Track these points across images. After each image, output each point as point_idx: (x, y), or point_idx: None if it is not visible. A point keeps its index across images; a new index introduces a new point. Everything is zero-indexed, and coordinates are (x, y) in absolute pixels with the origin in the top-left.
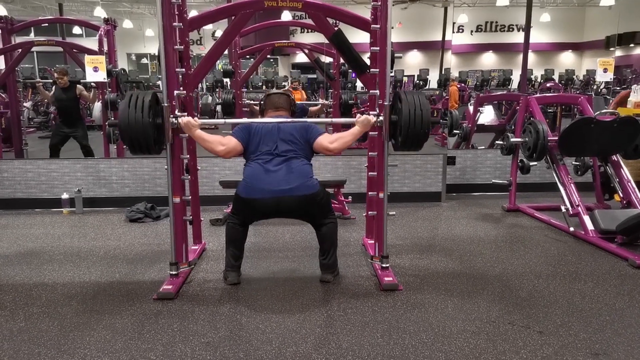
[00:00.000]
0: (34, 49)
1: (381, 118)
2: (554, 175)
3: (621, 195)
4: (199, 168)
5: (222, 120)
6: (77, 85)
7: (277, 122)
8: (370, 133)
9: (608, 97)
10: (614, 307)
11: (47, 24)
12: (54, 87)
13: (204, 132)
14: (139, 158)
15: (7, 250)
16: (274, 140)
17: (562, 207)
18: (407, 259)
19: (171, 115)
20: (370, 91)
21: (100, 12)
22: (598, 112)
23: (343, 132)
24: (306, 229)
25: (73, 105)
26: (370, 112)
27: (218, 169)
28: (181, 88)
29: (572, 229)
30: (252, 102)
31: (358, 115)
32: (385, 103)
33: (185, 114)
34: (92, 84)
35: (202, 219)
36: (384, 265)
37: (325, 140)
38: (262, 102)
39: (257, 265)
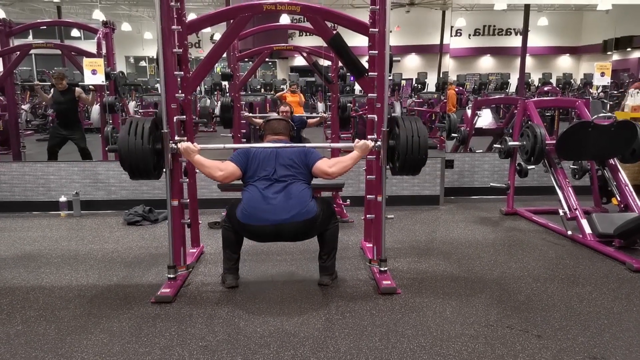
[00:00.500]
0: (32, 51)
1: (379, 143)
2: (552, 178)
3: (619, 198)
4: (197, 171)
5: (221, 145)
6: (76, 88)
7: (276, 147)
8: (368, 157)
9: (605, 100)
10: (612, 310)
11: (45, 27)
12: (52, 90)
13: (202, 157)
14: None
15: (4, 253)
16: (272, 165)
17: (560, 211)
18: (406, 263)
19: (170, 141)
20: (369, 95)
21: (98, 15)
22: (595, 116)
23: (342, 157)
24: None
25: (71, 108)
26: (369, 137)
27: None
28: (180, 91)
29: (570, 232)
30: (251, 115)
31: (356, 140)
32: (383, 129)
33: (185, 138)
34: (90, 86)
35: (200, 222)
36: (382, 269)
37: (325, 164)
38: (261, 128)
39: (255, 268)
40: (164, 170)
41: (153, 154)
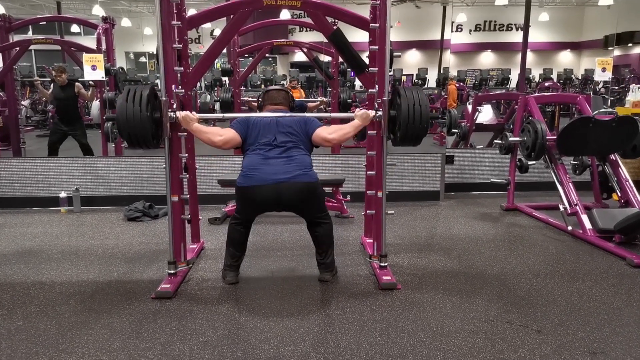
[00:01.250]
0: (32, 47)
1: (380, 113)
2: (553, 174)
3: (619, 194)
4: (198, 167)
5: (220, 115)
6: (76, 84)
7: (276, 116)
8: (369, 132)
9: (606, 96)
10: (612, 305)
11: (45, 22)
12: (52, 85)
13: (200, 125)
14: (138, 157)
15: (4, 249)
16: (272, 132)
17: (561, 206)
18: (406, 258)
19: (169, 110)
20: (369, 90)
21: (98, 11)
22: (596, 112)
23: (342, 125)
24: (305, 227)
25: (71, 103)
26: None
27: (216, 167)
28: (180, 87)
29: (570, 228)
30: (250, 99)
31: (357, 109)
32: (384, 98)
33: (182, 94)
34: (90, 82)
35: (201, 217)
36: (382, 264)
37: (324, 131)
38: (260, 98)
39: (256, 264)
40: (163, 138)
41: (152, 122)
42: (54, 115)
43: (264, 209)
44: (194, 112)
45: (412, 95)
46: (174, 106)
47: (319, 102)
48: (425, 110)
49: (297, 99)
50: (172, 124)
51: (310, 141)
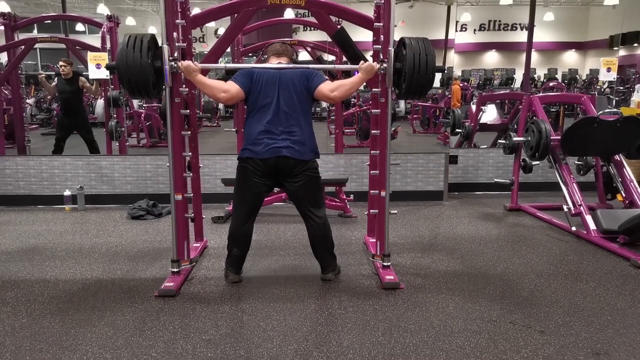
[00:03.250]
0: (37, 45)
1: (385, 65)
2: (557, 174)
3: (624, 195)
4: (201, 165)
5: (222, 65)
6: (80, 77)
7: (279, 67)
8: (372, 132)
9: (611, 96)
10: (616, 307)
11: (50, 21)
12: (56, 79)
13: (204, 76)
14: (142, 155)
15: (9, 246)
16: (275, 89)
17: (565, 207)
18: (409, 258)
19: (170, 57)
20: (373, 89)
21: (103, 9)
22: (601, 112)
23: (344, 80)
24: None
25: (76, 97)
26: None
27: (220, 166)
28: (184, 86)
29: (574, 228)
30: None
31: (361, 62)
32: (390, 48)
33: (185, 48)
34: (94, 79)
35: (204, 216)
36: (385, 264)
37: (326, 88)
38: (263, 52)
39: (259, 263)
40: (164, 87)
41: (152, 70)
42: (59, 111)
43: (263, 177)
44: (196, 62)
45: (417, 44)
46: (176, 55)
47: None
48: (432, 59)
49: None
50: (173, 74)
51: (312, 97)
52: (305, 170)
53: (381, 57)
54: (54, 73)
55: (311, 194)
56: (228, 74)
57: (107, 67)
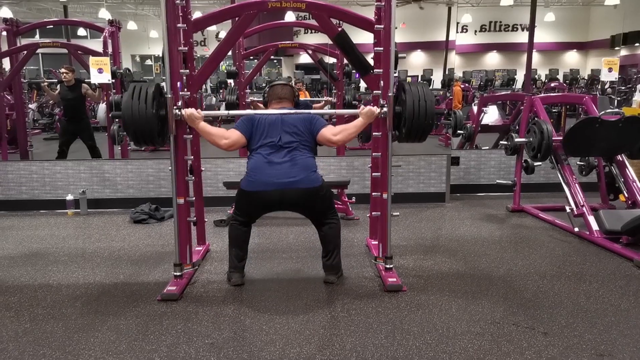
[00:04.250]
0: (39, 50)
1: (385, 109)
2: (559, 175)
3: (626, 195)
4: (203, 169)
5: (225, 112)
6: (83, 84)
7: (281, 113)
8: (374, 133)
9: (613, 96)
10: (619, 307)
11: (52, 26)
12: (59, 86)
13: (207, 124)
14: (144, 159)
15: (12, 251)
16: (277, 132)
17: (567, 208)
18: (411, 260)
19: (174, 107)
20: (374, 91)
21: (104, 14)
22: (603, 112)
23: (347, 124)
24: (310, 229)
25: (78, 103)
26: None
27: (222, 170)
28: (185, 89)
29: (576, 229)
30: (256, 99)
31: (362, 106)
32: (389, 94)
33: (188, 97)
34: (96, 83)
35: (206, 220)
36: (387, 266)
37: (329, 132)
38: (265, 94)
39: (261, 266)
40: (168, 136)
41: (157, 119)
42: (62, 117)
43: (266, 210)
44: (199, 110)
45: (417, 90)
46: (179, 103)
47: (323, 102)
48: (431, 105)
49: (302, 99)
50: (177, 122)
51: (315, 140)
52: (311, 197)
53: (381, 101)
54: (56, 80)
55: (322, 208)
56: (230, 77)
57: (113, 117)
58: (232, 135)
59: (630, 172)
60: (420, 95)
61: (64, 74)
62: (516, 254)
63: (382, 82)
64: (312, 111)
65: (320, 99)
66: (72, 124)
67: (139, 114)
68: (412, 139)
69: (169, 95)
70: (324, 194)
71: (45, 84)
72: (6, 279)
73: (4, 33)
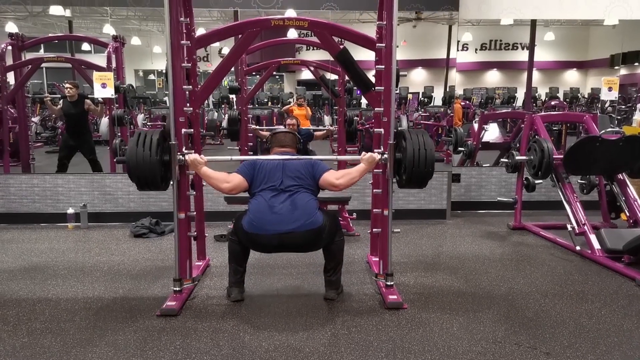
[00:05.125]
0: (43, 65)
1: (386, 156)
2: (560, 193)
3: (628, 214)
4: (204, 184)
5: (228, 157)
6: (86, 100)
7: (283, 159)
8: (375, 171)
9: (613, 115)
10: (622, 328)
11: (56, 41)
12: (62, 102)
13: (209, 169)
14: None
15: (11, 264)
16: (279, 176)
17: (568, 226)
18: (412, 277)
19: (178, 153)
20: (376, 109)
21: (109, 29)
22: (603, 131)
23: (349, 169)
24: None
25: (81, 119)
26: (375, 150)
27: None
28: (188, 104)
29: (578, 247)
30: (258, 128)
31: (363, 153)
32: (390, 142)
33: (192, 151)
34: (99, 99)
35: (207, 234)
36: (388, 283)
37: (332, 176)
38: (267, 140)
39: (261, 281)
40: (171, 182)
41: (161, 165)
42: (64, 131)
43: (265, 252)
44: (202, 156)
45: (417, 139)
46: (183, 149)
47: (325, 131)
48: (431, 154)
49: (303, 128)
50: (180, 167)
51: (317, 185)
52: (313, 238)
53: (382, 148)
54: (59, 96)
55: (328, 240)
56: (232, 92)
57: (117, 162)
58: (234, 179)
59: (632, 190)
60: (421, 143)
61: (68, 89)
62: (517, 272)
63: (382, 130)
64: (313, 157)
65: (322, 128)
66: (74, 138)
67: (143, 160)
68: (412, 185)
69: (174, 142)
70: (326, 233)
71: (48, 98)
72: (5, 293)
73: (9, 48)
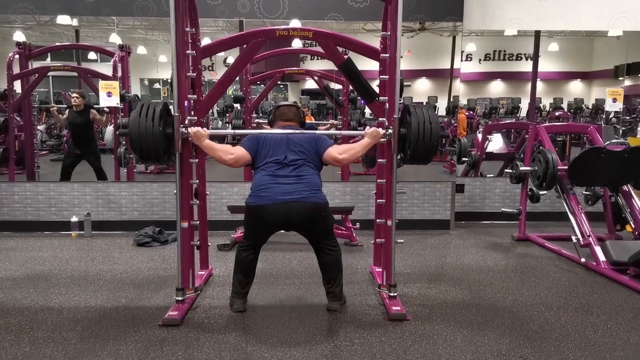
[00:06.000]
0: (50, 73)
1: (390, 131)
2: (564, 204)
3: (633, 226)
4: (208, 193)
5: (231, 131)
6: (91, 110)
7: (287, 132)
8: (379, 160)
9: (618, 126)
10: (628, 342)
11: (63, 50)
12: (67, 111)
13: (212, 142)
14: (149, 182)
15: (15, 272)
16: (283, 150)
17: (573, 238)
18: (416, 288)
19: (181, 125)
20: (379, 118)
21: (115, 39)
22: (608, 142)
23: (352, 144)
24: (313, 255)
25: (86, 128)
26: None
27: (226, 193)
28: (192, 113)
29: (583, 259)
30: (262, 121)
31: (367, 127)
32: (395, 116)
33: (195, 121)
34: (105, 108)
35: (210, 244)
36: (391, 294)
37: (335, 151)
38: (271, 114)
39: (264, 292)
40: (174, 153)
41: (163, 137)
42: (69, 140)
43: (272, 228)
44: (205, 128)
45: (422, 113)
46: (186, 122)
47: (329, 125)
48: (436, 128)
49: (307, 122)
50: (183, 140)
51: (321, 160)
52: (316, 214)
53: (386, 123)
54: (65, 105)
55: (324, 230)
56: (237, 101)
57: (120, 134)
58: (238, 151)
59: (637, 202)
60: (426, 117)
61: (75, 99)
62: (522, 284)
63: (387, 105)
64: (317, 132)
65: (326, 122)
66: (79, 147)
67: (145, 131)
68: (416, 161)
69: (177, 114)
70: (326, 215)
71: (54, 108)
72: (7, 301)
73: (17, 56)
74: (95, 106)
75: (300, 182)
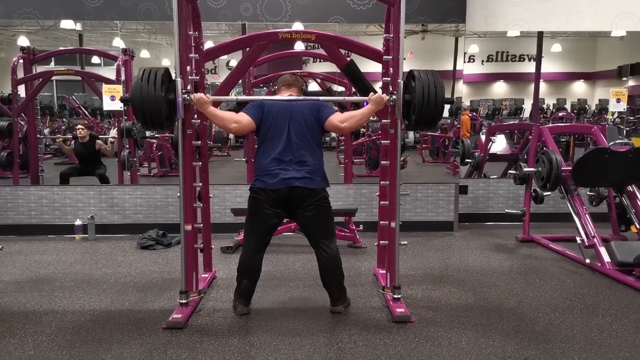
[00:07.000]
0: (54, 77)
1: (394, 97)
2: (569, 205)
3: (638, 226)
4: (211, 196)
5: (234, 97)
6: (97, 141)
7: (289, 99)
8: (382, 162)
9: (622, 126)
10: (634, 343)
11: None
12: (73, 142)
13: (215, 108)
14: (152, 185)
15: (19, 276)
16: (286, 121)
17: (578, 239)
18: (420, 290)
19: (183, 90)
20: (382, 120)
21: (119, 43)
22: (612, 143)
23: (354, 111)
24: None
25: (92, 158)
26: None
27: (230, 196)
28: (196, 117)
29: (588, 260)
30: None
31: (371, 93)
32: (399, 80)
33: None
34: (110, 139)
35: (213, 246)
36: (395, 296)
37: (337, 119)
38: (273, 83)
39: (267, 294)
40: (177, 119)
41: (166, 103)
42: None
43: (276, 205)
44: (208, 95)
45: (426, 77)
46: (189, 87)
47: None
48: (441, 91)
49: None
50: (186, 106)
51: (322, 129)
52: (316, 200)
53: (390, 89)
54: (71, 136)
55: (323, 225)
56: (239, 106)
57: (122, 100)
58: (242, 119)
59: None
60: (430, 81)
61: (80, 130)
62: (526, 286)
63: (391, 69)
64: (321, 97)
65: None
66: (87, 170)
67: (147, 96)
68: (421, 127)
69: (179, 79)
70: (327, 203)
71: (60, 139)
72: (12, 305)
73: (21, 61)
74: (100, 137)
75: (303, 167)
